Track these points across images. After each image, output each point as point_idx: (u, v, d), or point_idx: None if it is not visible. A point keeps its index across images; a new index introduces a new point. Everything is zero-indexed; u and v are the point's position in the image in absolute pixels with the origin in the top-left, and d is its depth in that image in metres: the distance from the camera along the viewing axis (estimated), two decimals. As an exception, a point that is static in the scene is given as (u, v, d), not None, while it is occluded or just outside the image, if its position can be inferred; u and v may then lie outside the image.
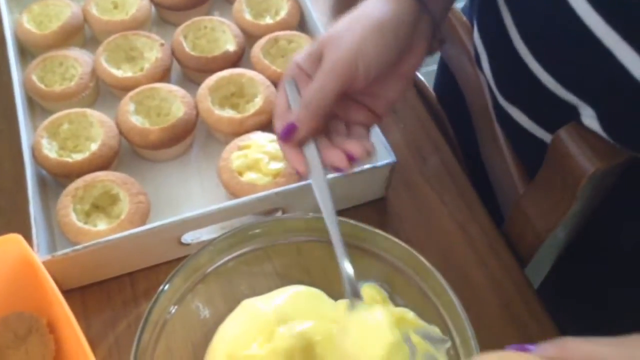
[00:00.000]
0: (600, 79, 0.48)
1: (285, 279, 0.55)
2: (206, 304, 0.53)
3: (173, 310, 0.50)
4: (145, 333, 0.47)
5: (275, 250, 0.56)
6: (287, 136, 0.49)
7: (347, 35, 0.47)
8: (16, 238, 0.52)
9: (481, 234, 0.63)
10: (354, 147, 0.49)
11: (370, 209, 0.64)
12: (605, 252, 0.62)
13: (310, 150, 0.49)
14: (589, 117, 0.51)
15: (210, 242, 0.52)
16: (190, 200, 0.64)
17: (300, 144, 0.49)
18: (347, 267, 0.47)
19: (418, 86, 0.83)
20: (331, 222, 0.48)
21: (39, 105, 0.70)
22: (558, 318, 0.57)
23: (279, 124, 0.50)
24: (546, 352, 0.35)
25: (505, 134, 0.63)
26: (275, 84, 0.68)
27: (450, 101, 0.79)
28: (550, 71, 0.52)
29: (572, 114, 0.52)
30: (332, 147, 0.49)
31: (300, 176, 0.52)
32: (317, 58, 0.49)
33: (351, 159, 0.49)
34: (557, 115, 0.53)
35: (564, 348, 0.35)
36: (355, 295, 0.47)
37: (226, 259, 0.54)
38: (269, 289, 0.54)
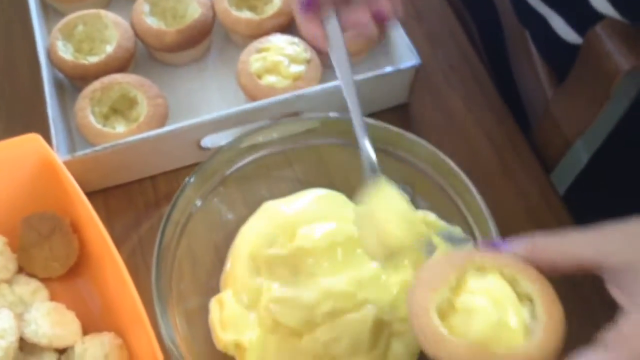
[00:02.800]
0: None
1: (306, 184, 0.54)
2: (227, 206, 0.53)
3: (195, 210, 0.50)
4: (168, 230, 0.47)
5: (295, 155, 0.55)
6: (309, 5, 0.45)
7: None
8: (35, 137, 0.51)
9: (507, 141, 0.61)
10: (383, 3, 0.45)
11: (393, 115, 0.62)
12: (634, 161, 0.60)
13: (332, 24, 0.45)
14: None
15: (230, 142, 0.51)
16: (208, 105, 0.63)
17: (322, 14, 0.45)
18: (367, 146, 0.46)
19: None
20: (352, 100, 0.45)
21: (52, 8, 0.68)
22: (583, 224, 0.56)
23: None
24: (516, 250, 0.36)
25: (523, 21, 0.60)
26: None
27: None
28: None
29: None
30: (355, 9, 0.45)
31: (319, 52, 0.47)
32: None
33: (379, 20, 0.45)
34: None
35: (534, 246, 0.35)
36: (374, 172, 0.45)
37: (245, 161, 0.53)
38: (290, 193, 0.54)
